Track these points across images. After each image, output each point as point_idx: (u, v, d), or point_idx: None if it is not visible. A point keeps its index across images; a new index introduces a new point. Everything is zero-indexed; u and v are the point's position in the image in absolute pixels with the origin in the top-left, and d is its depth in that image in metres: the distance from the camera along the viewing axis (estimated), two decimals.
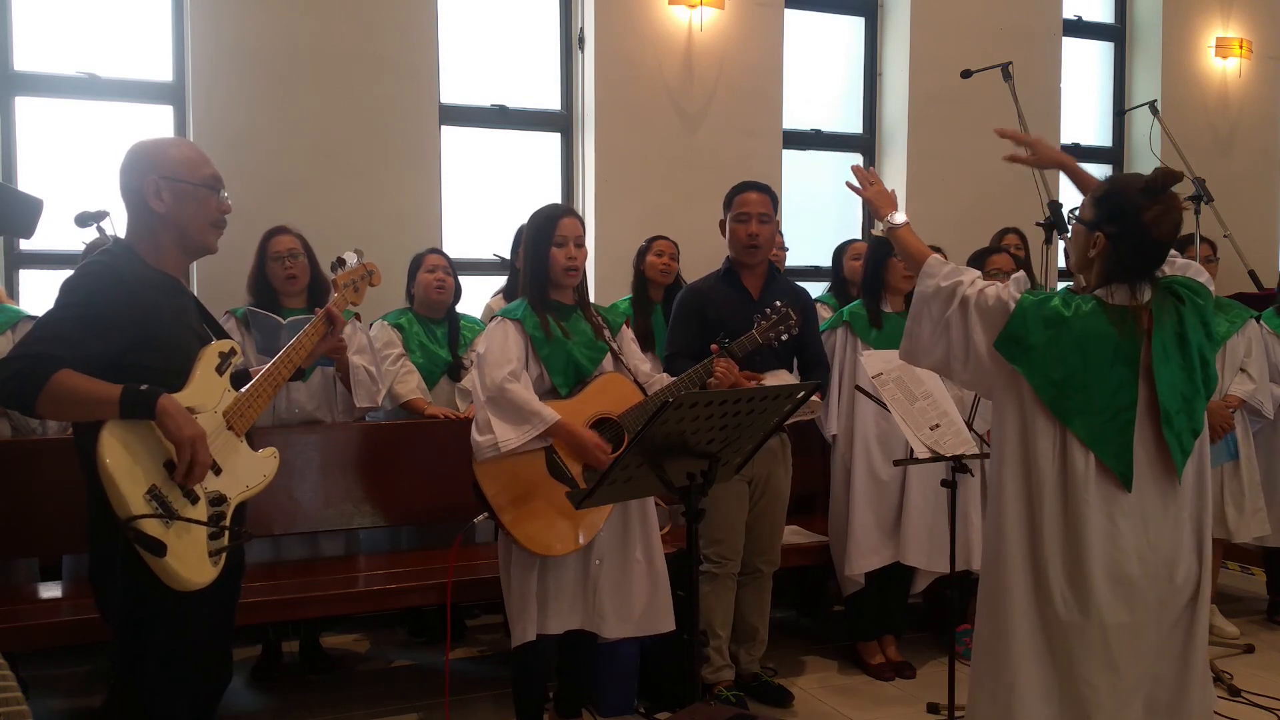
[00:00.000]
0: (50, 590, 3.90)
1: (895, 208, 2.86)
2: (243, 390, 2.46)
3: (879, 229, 2.90)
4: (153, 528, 2.17)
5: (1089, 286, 2.60)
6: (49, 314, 2.27)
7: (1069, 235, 2.70)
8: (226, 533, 2.35)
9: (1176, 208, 2.52)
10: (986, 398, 2.69)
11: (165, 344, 2.34)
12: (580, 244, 3.44)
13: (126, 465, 2.17)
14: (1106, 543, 2.48)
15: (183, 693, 2.40)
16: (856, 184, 2.98)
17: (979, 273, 2.67)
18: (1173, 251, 2.68)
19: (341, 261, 2.86)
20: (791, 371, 3.99)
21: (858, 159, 6.63)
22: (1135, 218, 2.49)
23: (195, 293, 4.72)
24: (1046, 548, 2.51)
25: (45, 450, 3.80)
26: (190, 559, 2.24)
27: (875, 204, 2.90)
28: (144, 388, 2.20)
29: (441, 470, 4.08)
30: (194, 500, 2.29)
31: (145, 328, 2.30)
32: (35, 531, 3.71)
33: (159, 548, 2.16)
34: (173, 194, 2.39)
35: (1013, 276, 2.62)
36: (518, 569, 3.36)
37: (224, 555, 2.34)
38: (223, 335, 2.56)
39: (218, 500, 2.35)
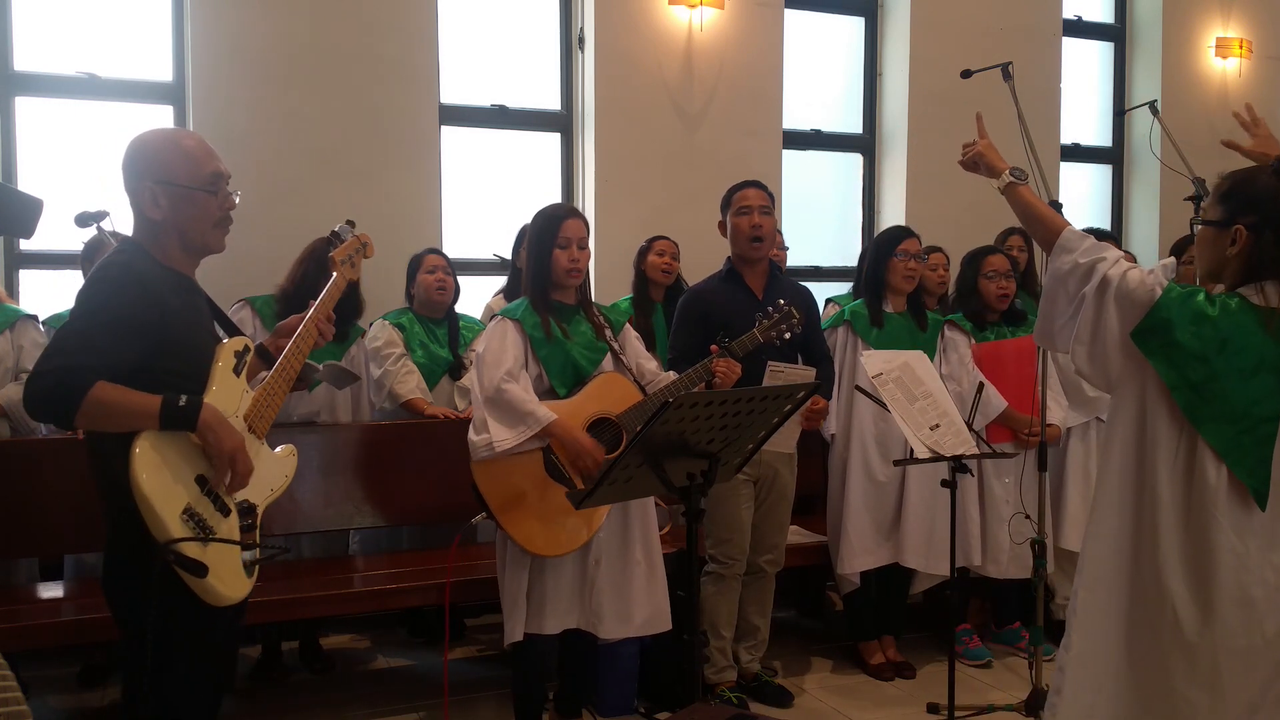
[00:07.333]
0: (50, 590, 3.90)
1: (1006, 164, 2.58)
2: (259, 389, 2.41)
3: (1000, 183, 2.59)
4: (192, 549, 2.12)
5: (1228, 287, 2.36)
6: (73, 322, 2.20)
7: (1194, 244, 2.44)
8: (258, 546, 2.31)
9: None
10: (1104, 390, 2.45)
11: (185, 346, 2.29)
12: (583, 245, 3.43)
13: (162, 486, 2.12)
14: (1235, 562, 2.27)
15: (203, 704, 2.37)
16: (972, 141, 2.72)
17: (1121, 251, 2.43)
18: None
19: (337, 235, 2.76)
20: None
21: (858, 159, 6.64)
22: (1275, 201, 2.29)
23: None
24: (1165, 562, 2.30)
25: (45, 450, 3.80)
26: (227, 575, 2.21)
27: (988, 157, 2.64)
28: (183, 401, 2.14)
29: (441, 470, 4.08)
30: (226, 513, 2.25)
31: (166, 330, 2.24)
32: (35, 532, 3.71)
33: (200, 569, 2.12)
34: (169, 199, 2.31)
35: (1161, 262, 2.37)
36: (512, 568, 3.37)
37: (258, 567, 2.31)
38: (235, 332, 2.51)
39: (248, 510, 2.32)
